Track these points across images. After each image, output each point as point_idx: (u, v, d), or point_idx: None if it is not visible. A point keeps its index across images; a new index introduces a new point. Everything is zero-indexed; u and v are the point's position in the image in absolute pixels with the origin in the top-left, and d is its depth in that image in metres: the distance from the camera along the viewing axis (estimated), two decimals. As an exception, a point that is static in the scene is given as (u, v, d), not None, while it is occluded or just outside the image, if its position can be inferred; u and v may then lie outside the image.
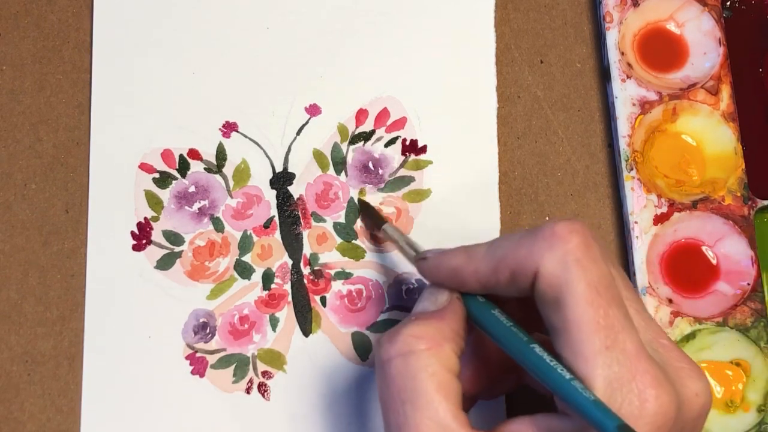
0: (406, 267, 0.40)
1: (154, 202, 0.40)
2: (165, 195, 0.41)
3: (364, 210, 0.40)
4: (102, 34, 0.42)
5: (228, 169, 0.41)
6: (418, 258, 0.33)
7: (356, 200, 0.40)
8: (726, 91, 0.41)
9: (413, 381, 0.28)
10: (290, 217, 0.41)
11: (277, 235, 0.40)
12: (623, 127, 0.41)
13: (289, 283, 0.40)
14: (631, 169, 0.40)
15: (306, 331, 0.39)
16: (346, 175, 0.41)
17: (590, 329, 0.27)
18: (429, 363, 0.28)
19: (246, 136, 0.41)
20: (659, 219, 0.40)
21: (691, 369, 0.29)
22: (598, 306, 0.27)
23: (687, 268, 0.40)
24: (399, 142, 0.41)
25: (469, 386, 0.32)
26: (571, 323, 0.27)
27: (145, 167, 0.41)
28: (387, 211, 0.41)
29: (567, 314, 0.27)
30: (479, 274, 0.30)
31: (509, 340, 0.29)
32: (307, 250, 0.40)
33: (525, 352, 0.28)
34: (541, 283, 0.28)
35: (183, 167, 0.41)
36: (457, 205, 0.41)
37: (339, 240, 0.40)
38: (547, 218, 0.41)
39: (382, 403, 0.29)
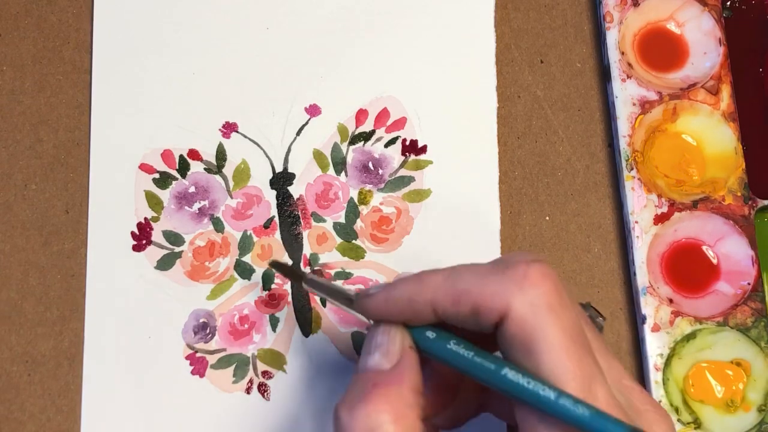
0: (406, 267, 0.40)
1: (154, 202, 0.40)
2: (165, 195, 0.41)
3: (278, 270, 0.37)
4: (102, 34, 0.42)
5: (228, 170, 0.41)
6: (362, 296, 0.31)
7: (271, 262, 0.37)
8: (726, 91, 0.41)
9: None
10: (290, 217, 0.41)
11: (277, 235, 0.40)
12: (623, 127, 0.41)
13: (289, 283, 0.40)
14: (632, 169, 0.40)
15: (306, 331, 0.39)
16: (346, 175, 0.41)
17: (566, 379, 0.26)
18: None
19: (246, 137, 0.41)
20: (659, 219, 0.40)
21: (656, 412, 0.29)
22: (573, 354, 0.26)
23: (687, 268, 0.40)
24: (399, 142, 0.41)
25: (428, 412, 0.30)
26: (545, 371, 0.26)
27: (145, 167, 0.41)
28: (387, 211, 0.41)
29: (541, 361, 0.26)
30: (436, 304, 0.28)
31: (478, 370, 0.28)
32: (307, 250, 0.40)
33: (499, 380, 0.27)
34: (511, 326, 0.27)
35: (183, 167, 0.41)
36: (457, 205, 0.41)
37: (339, 240, 0.40)
38: (547, 217, 0.41)
39: None
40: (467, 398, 0.32)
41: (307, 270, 0.40)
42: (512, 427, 0.31)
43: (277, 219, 0.40)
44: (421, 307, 0.29)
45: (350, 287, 0.33)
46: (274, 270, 0.39)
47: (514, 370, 0.27)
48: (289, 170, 0.41)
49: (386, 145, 0.41)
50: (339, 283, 0.40)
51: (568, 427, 0.26)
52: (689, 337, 0.38)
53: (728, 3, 0.43)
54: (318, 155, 0.41)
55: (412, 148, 0.41)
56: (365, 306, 0.30)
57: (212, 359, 0.39)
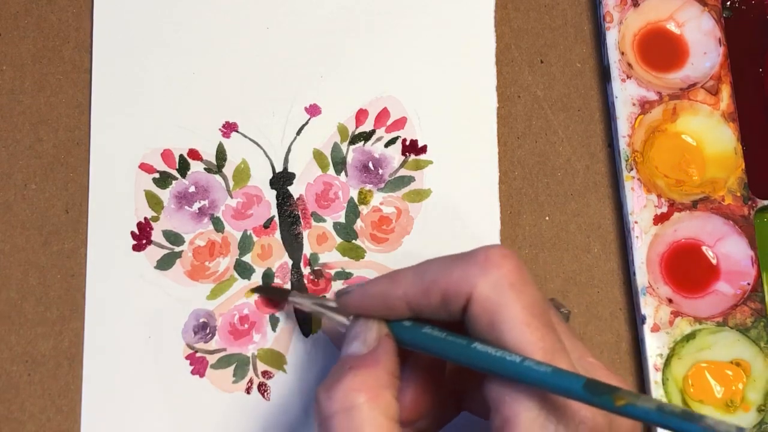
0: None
1: (154, 202, 0.40)
2: (165, 195, 0.41)
3: (263, 294, 0.39)
4: (102, 34, 0.42)
5: (228, 169, 0.41)
6: (341, 294, 0.32)
7: (252, 288, 0.39)
8: (726, 91, 0.41)
9: None
10: (290, 217, 0.41)
11: (277, 235, 0.40)
12: (623, 127, 0.41)
13: (290, 283, 0.40)
14: (631, 169, 0.40)
15: (306, 331, 0.39)
16: (346, 175, 0.41)
17: (529, 350, 0.27)
18: (372, 416, 0.28)
19: (246, 136, 0.41)
20: (659, 219, 0.40)
21: (619, 385, 0.29)
22: (535, 328, 0.27)
23: (687, 268, 0.40)
24: (399, 142, 0.41)
25: (410, 417, 0.32)
26: (508, 345, 0.27)
27: (145, 167, 0.41)
28: (387, 211, 0.41)
29: (503, 336, 0.28)
30: (408, 297, 0.30)
31: (450, 348, 0.29)
32: (307, 250, 0.40)
33: (469, 354, 0.28)
34: (475, 306, 0.28)
35: (183, 167, 0.41)
36: (457, 205, 0.41)
37: (339, 240, 0.40)
38: (547, 217, 0.41)
39: None
40: (446, 399, 0.33)
41: (306, 270, 0.40)
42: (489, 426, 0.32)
43: (277, 219, 0.41)
44: (395, 302, 0.30)
45: (329, 299, 0.35)
46: (260, 294, 0.40)
47: (483, 343, 0.28)
48: (289, 170, 0.41)
49: (386, 145, 0.41)
50: (339, 283, 0.40)
51: (532, 390, 0.27)
52: (689, 337, 0.38)
53: (728, 3, 0.43)
54: (318, 155, 0.41)
55: (412, 148, 0.41)
56: (344, 302, 0.32)
57: (212, 359, 0.39)
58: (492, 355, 0.28)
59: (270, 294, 0.39)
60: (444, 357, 0.30)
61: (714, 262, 0.40)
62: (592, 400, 0.26)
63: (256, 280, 0.40)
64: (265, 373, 0.39)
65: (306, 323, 0.39)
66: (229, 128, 0.41)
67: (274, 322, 0.39)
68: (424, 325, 0.30)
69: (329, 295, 0.39)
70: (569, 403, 0.27)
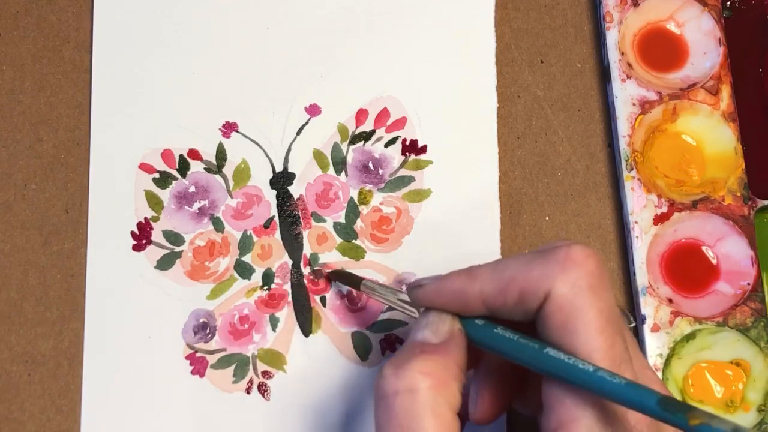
0: (406, 267, 0.40)
1: (154, 202, 0.40)
2: (165, 195, 0.41)
3: (336, 278, 0.40)
4: (102, 34, 0.42)
5: (228, 169, 0.41)
6: (414, 286, 0.32)
7: (328, 275, 0.40)
8: (726, 91, 0.41)
9: (418, 420, 0.27)
10: (290, 217, 0.41)
11: (277, 235, 0.40)
12: (623, 127, 0.41)
13: (289, 283, 0.40)
14: (632, 169, 0.40)
15: (306, 331, 0.39)
16: (346, 175, 0.41)
17: (597, 358, 0.27)
18: (435, 403, 0.28)
19: (246, 136, 0.41)
20: (659, 219, 0.40)
21: None
22: (608, 336, 0.27)
23: (687, 268, 0.40)
24: (399, 142, 0.41)
25: (481, 417, 0.31)
26: (579, 350, 0.27)
27: (145, 167, 0.41)
28: (387, 211, 0.41)
29: (574, 340, 0.27)
30: (485, 295, 0.29)
31: (521, 351, 0.29)
32: (307, 250, 0.40)
33: (541, 359, 0.28)
34: (551, 305, 0.27)
35: (183, 167, 0.41)
36: (457, 205, 0.41)
37: (339, 240, 0.40)
38: (547, 217, 0.41)
39: None
40: (503, 394, 0.32)
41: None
42: (515, 421, 0.32)
43: (277, 219, 0.40)
44: (471, 298, 0.29)
45: (401, 290, 0.36)
46: (334, 280, 0.40)
47: (555, 349, 0.27)
48: (289, 170, 0.41)
49: (386, 145, 0.41)
50: (338, 282, 0.40)
51: (595, 397, 0.27)
52: (689, 337, 0.38)
53: (728, 3, 0.43)
54: (318, 155, 0.41)
55: (412, 148, 0.41)
56: (417, 296, 0.31)
57: (212, 359, 0.39)
58: (564, 363, 0.27)
59: (344, 280, 0.39)
60: (514, 359, 0.29)
61: (714, 262, 0.40)
62: (666, 416, 0.25)
63: (256, 280, 0.40)
64: (265, 373, 0.39)
65: (306, 323, 0.39)
66: (229, 128, 0.41)
67: (274, 322, 0.39)
68: (495, 324, 0.30)
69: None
70: (619, 408, 0.27)
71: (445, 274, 0.31)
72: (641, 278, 0.39)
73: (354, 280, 0.38)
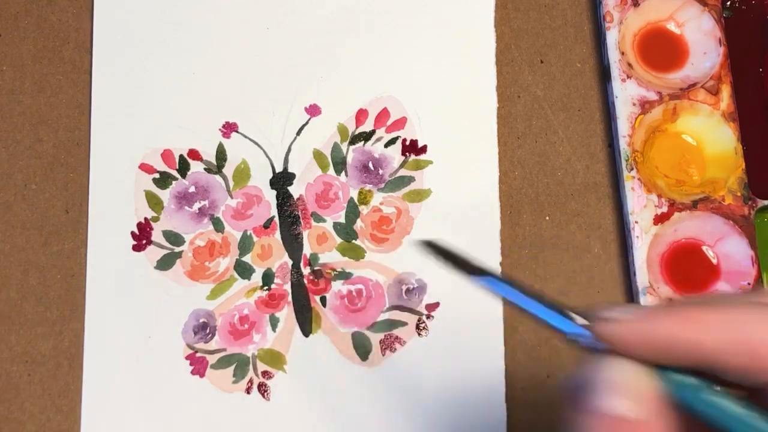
0: (407, 267, 0.40)
1: (154, 202, 0.40)
2: (165, 195, 0.41)
3: (440, 254, 0.27)
4: (102, 34, 0.42)
5: (228, 170, 0.41)
6: (603, 318, 0.23)
7: (423, 242, 0.27)
8: (726, 91, 0.41)
9: None
10: (290, 217, 0.41)
11: (277, 235, 0.40)
12: (623, 127, 0.41)
13: (289, 283, 0.40)
14: (632, 169, 0.40)
15: (306, 331, 0.39)
16: (346, 175, 0.41)
17: None
18: None
19: (246, 137, 0.41)
20: (659, 219, 0.40)
21: None
22: None
23: (687, 268, 0.40)
24: (399, 142, 0.41)
25: None
26: None
27: (145, 167, 0.41)
28: (387, 211, 0.41)
29: None
30: (705, 350, 0.22)
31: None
32: (307, 250, 0.40)
33: None
34: None
35: (183, 167, 0.41)
36: (457, 205, 0.41)
37: (339, 240, 0.40)
38: (547, 217, 0.41)
39: None
40: None
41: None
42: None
43: (277, 219, 0.40)
44: (690, 351, 0.22)
45: (550, 295, 0.26)
46: (432, 252, 0.27)
47: None
48: (289, 170, 0.41)
49: (386, 145, 0.41)
50: (338, 283, 0.40)
51: None
52: (689, 337, 0.38)
53: (728, 3, 0.43)
54: (318, 155, 0.41)
55: (412, 148, 0.41)
56: (607, 332, 0.23)
57: (212, 359, 0.39)
58: None
59: (458, 262, 0.26)
60: None
61: (714, 261, 0.40)
62: None
63: (256, 280, 0.40)
64: (265, 373, 0.39)
65: (306, 323, 0.39)
66: (229, 128, 0.41)
67: (274, 323, 0.39)
68: (711, 387, 0.22)
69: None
70: None
71: (641, 310, 0.23)
72: (641, 278, 0.39)
73: (468, 268, 0.26)
